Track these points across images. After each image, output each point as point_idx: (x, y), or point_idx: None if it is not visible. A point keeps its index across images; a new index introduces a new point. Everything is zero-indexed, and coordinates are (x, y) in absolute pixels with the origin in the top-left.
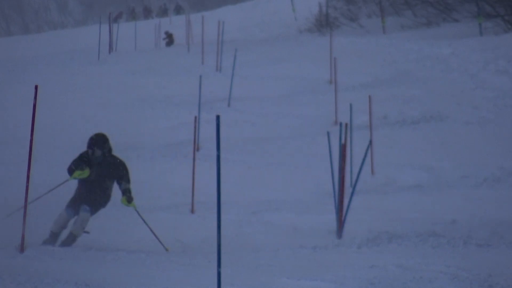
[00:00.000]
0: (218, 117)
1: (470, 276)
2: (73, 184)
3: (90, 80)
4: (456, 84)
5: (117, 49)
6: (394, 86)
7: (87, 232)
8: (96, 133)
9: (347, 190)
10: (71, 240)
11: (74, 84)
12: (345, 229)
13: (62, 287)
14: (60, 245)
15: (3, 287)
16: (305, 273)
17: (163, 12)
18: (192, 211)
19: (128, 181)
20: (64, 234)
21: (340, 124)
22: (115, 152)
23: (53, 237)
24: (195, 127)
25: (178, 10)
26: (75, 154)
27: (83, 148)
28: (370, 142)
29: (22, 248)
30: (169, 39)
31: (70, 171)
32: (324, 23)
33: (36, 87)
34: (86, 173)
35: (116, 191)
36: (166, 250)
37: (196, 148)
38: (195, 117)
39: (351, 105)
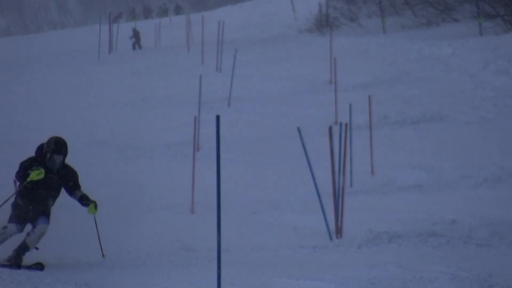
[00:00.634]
0: (218, 117)
1: (470, 276)
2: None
3: (90, 80)
4: (456, 84)
5: (117, 49)
6: (394, 86)
7: (37, 248)
8: (57, 136)
9: (346, 190)
10: (22, 251)
11: (74, 84)
12: (345, 229)
13: (62, 287)
14: (9, 257)
15: (3, 287)
16: (305, 273)
17: (163, 12)
18: (192, 211)
19: (80, 187)
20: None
21: (340, 125)
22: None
23: None
24: (195, 127)
25: (178, 10)
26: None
27: (83, 147)
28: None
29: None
30: (136, 38)
31: (24, 176)
32: (324, 23)
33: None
34: (42, 174)
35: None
36: (103, 256)
37: (196, 148)
38: (195, 117)
39: (351, 105)
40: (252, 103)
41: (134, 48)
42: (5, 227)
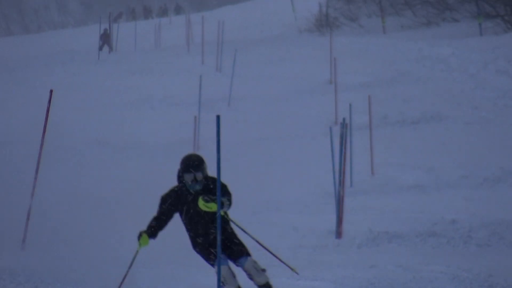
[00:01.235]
0: (218, 117)
1: (470, 276)
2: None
3: (90, 80)
4: (456, 84)
5: (117, 49)
6: (394, 86)
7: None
8: (188, 154)
9: (346, 190)
10: None
11: (74, 84)
12: (345, 229)
13: (62, 287)
14: None
15: (3, 287)
16: (305, 273)
17: (163, 12)
18: None
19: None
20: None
21: (342, 121)
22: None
23: None
24: (195, 127)
25: (178, 10)
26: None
27: (83, 147)
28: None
29: (22, 248)
30: (106, 39)
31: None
32: (324, 23)
33: (51, 92)
34: (146, 241)
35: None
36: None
37: (196, 148)
38: (195, 117)
39: (351, 105)
40: (252, 103)
41: (101, 49)
42: (223, 281)
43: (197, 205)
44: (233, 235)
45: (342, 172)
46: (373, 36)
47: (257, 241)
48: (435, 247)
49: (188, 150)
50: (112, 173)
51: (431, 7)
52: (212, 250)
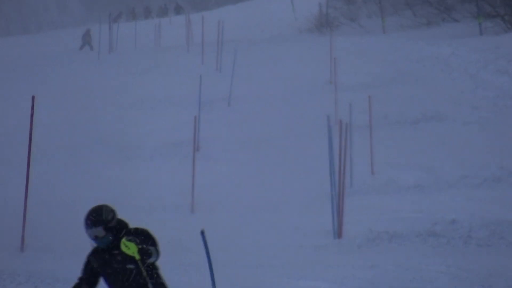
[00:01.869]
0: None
1: (470, 276)
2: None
3: (90, 80)
4: (456, 84)
5: (117, 49)
6: (394, 86)
7: None
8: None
9: (346, 190)
10: None
11: (74, 84)
12: (345, 229)
13: (62, 287)
14: None
15: (3, 287)
16: (305, 273)
17: (163, 12)
18: (192, 211)
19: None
20: None
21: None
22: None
23: None
24: (195, 127)
25: (178, 10)
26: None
27: (83, 147)
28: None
29: (22, 248)
30: (87, 38)
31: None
32: (324, 23)
33: (33, 98)
34: None
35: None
36: None
37: (196, 148)
38: (195, 117)
39: (351, 105)
40: (252, 103)
41: (81, 49)
42: None
43: (114, 263)
44: None
45: (342, 172)
46: (373, 36)
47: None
48: (435, 247)
49: (188, 150)
50: (111, 173)
51: (431, 7)
52: None
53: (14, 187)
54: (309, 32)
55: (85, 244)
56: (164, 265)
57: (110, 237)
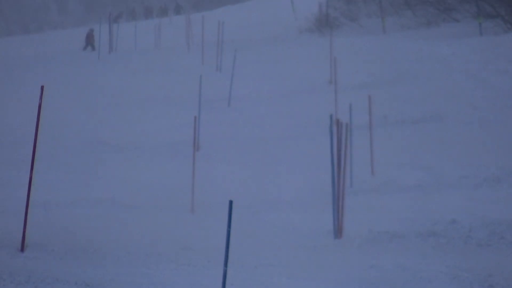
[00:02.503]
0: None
1: (470, 276)
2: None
3: (90, 80)
4: (456, 84)
5: (117, 49)
6: (394, 86)
7: None
8: None
9: (346, 190)
10: None
11: (74, 84)
12: (345, 229)
13: (62, 287)
14: None
15: (3, 287)
16: (305, 273)
17: (163, 12)
18: (192, 211)
19: None
20: None
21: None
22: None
23: None
24: (195, 127)
25: (178, 10)
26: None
27: (83, 147)
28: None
29: (22, 248)
30: (90, 39)
31: None
32: (324, 23)
33: (42, 88)
34: None
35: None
36: None
37: (196, 148)
38: (195, 117)
39: (351, 105)
40: (252, 103)
41: (85, 49)
42: None
43: None
44: None
45: (342, 172)
46: (373, 36)
47: None
48: (435, 247)
49: (188, 150)
50: (111, 173)
51: (431, 7)
52: None
53: (14, 187)
54: (309, 32)
55: (85, 244)
56: (164, 265)
57: None
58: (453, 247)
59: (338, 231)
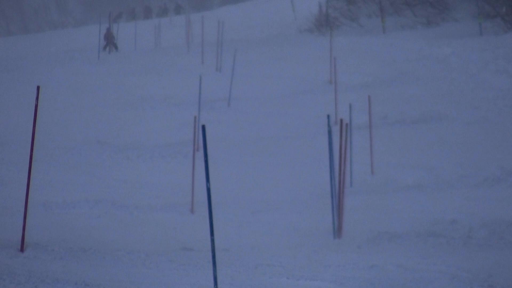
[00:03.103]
0: (203, 127)
1: (470, 276)
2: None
3: (90, 80)
4: (456, 84)
5: (117, 49)
6: (394, 86)
7: None
8: None
9: (346, 190)
10: None
11: (74, 84)
12: (345, 229)
13: (62, 287)
14: None
15: (3, 287)
16: (305, 273)
17: (163, 12)
18: (192, 211)
19: None
20: None
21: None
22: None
23: None
24: (195, 127)
25: (178, 10)
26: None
27: (83, 147)
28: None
29: (22, 248)
30: (109, 38)
31: None
32: (324, 23)
33: (37, 88)
34: None
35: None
36: None
37: (196, 148)
38: (195, 117)
39: (351, 105)
40: (252, 103)
41: (104, 49)
42: None
43: None
44: None
45: (342, 172)
46: (373, 36)
47: None
48: (435, 247)
49: (188, 150)
50: (111, 173)
51: (431, 7)
52: None
53: (14, 187)
54: (309, 32)
55: (85, 244)
56: (165, 265)
57: None
58: (453, 247)
59: (338, 231)
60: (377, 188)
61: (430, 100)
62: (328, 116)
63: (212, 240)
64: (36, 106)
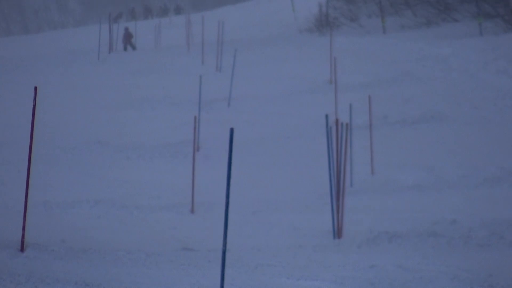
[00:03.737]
0: (231, 130)
1: (470, 276)
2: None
3: (90, 80)
4: (456, 84)
5: (117, 49)
6: (394, 86)
7: None
8: None
9: (346, 190)
10: None
11: (74, 84)
12: (345, 229)
13: (62, 287)
14: None
15: (3, 287)
16: (305, 273)
17: (163, 12)
18: (192, 211)
19: None
20: None
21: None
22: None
23: None
24: (195, 127)
25: (178, 10)
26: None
27: (83, 147)
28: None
29: (22, 248)
30: (127, 38)
31: None
32: (324, 23)
33: (35, 88)
34: None
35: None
36: None
37: (196, 148)
38: (195, 117)
39: (351, 105)
40: (252, 103)
41: (125, 49)
42: None
43: None
44: None
45: (342, 172)
46: (373, 36)
47: None
48: (435, 247)
49: (188, 150)
50: (111, 173)
51: (431, 7)
52: None
53: (14, 187)
54: (309, 32)
55: (85, 244)
56: (164, 265)
57: None
58: (453, 247)
59: (337, 231)
60: (377, 188)
61: (430, 100)
62: (327, 116)
63: (225, 244)
64: (34, 106)
